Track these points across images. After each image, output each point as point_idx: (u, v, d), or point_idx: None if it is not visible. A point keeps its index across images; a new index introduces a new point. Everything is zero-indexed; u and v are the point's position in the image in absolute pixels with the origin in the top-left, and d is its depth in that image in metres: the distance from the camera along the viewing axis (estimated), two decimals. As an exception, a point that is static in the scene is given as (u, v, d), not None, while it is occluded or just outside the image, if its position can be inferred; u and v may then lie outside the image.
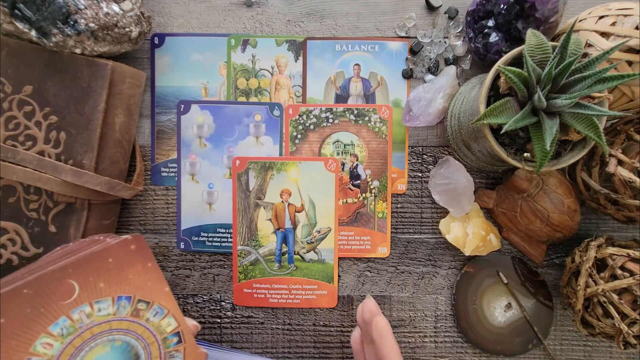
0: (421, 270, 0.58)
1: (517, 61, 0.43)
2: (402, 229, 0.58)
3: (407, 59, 0.57)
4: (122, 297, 0.38)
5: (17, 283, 0.35)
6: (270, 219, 0.57)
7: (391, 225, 0.58)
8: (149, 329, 0.39)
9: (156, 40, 0.57)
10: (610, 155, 0.47)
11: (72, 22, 0.47)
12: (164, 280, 0.40)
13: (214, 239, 0.57)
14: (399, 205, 0.58)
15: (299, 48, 0.58)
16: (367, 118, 0.57)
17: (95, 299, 0.37)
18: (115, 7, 0.49)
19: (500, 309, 0.56)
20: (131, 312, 0.39)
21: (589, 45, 0.45)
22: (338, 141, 0.57)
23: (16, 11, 0.46)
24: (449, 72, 0.54)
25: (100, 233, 0.54)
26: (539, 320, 0.56)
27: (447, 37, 0.57)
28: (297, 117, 0.57)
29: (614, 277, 0.47)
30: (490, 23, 0.51)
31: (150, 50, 0.57)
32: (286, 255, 0.57)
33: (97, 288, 0.38)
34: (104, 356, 0.38)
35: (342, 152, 0.57)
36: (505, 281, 0.56)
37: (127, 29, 0.50)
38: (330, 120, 0.57)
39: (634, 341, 0.46)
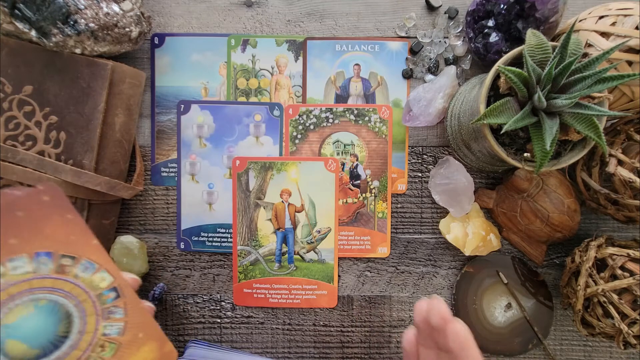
0: (421, 270, 0.58)
1: (517, 61, 0.43)
2: (402, 229, 0.58)
3: (407, 59, 0.57)
4: (41, 254, 0.35)
5: None
6: (270, 219, 0.57)
7: (391, 225, 0.58)
8: (79, 285, 0.36)
9: (156, 40, 0.57)
10: (610, 155, 0.47)
11: (72, 22, 0.47)
12: (90, 233, 0.37)
13: (214, 239, 0.57)
14: (399, 205, 0.58)
15: (299, 48, 0.58)
16: (367, 118, 0.57)
17: (7, 257, 0.34)
18: (115, 7, 0.49)
19: (500, 309, 0.56)
20: (55, 268, 0.35)
21: (589, 45, 0.45)
22: (338, 141, 0.57)
23: (16, 11, 0.46)
24: (449, 72, 0.54)
25: (101, 233, 0.54)
26: (539, 320, 0.56)
27: (447, 37, 0.57)
28: (297, 117, 0.57)
29: (614, 277, 0.47)
30: (490, 23, 0.51)
31: (150, 50, 0.57)
32: (286, 255, 0.57)
33: (7, 245, 0.34)
34: (28, 317, 0.34)
35: (342, 152, 0.57)
36: (505, 281, 0.56)
37: (127, 29, 0.50)
38: (330, 120, 0.57)
39: (634, 341, 0.46)
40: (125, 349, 0.36)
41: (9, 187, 0.41)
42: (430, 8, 0.57)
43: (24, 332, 0.34)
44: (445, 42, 0.57)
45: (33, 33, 0.47)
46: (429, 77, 0.57)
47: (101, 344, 0.36)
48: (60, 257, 0.36)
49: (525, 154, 0.43)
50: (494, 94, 0.44)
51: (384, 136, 0.57)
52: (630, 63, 0.43)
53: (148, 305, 0.39)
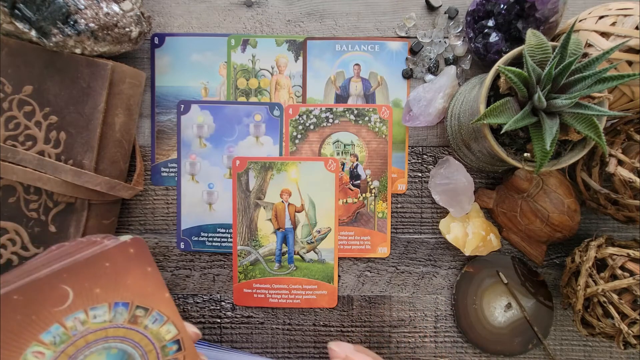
0: (421, 270, 0.58)
1: (517, 61, 0.43)
2: (402, 229, 0.58)
3: (407, 59, 0.57)
4: (120, 304, 0.36)
5: (7, 288, 0.33)
6: (270, 219, 0.57)
7: (391, 225, 0.58)
8: (147, 337, 0.38)
9: (156, 40, 0.57)
10: (610, 155, 0.47)
11: (72, 22, 0.47)
12: (164, 286, 0.38)
13: (214, 239, 0.57)
14: (399, 205, 0.58)
15: (299, 48, 0.58)
16: (367, 118, 0.57)
17: (91, 305, 0.35)
18: (115, 7, 0.49)
19: (500, 309, 0.56)
20: (129, 319, 0.37)
21: (589, 45, 0.45)
22: (338, 141, 0.57)
23: (16, 11, 0.46)
24: (449, 72, 0.54)
25: (100, 233, 0.54)
26: (539, 320, 0.56)
27: (447, 37, 0.57)
28: (297, 117, 0.57)
29: (614, 277, 0.47)
30: (490, 23, 0.51)
31: (150, 50, 0.57)
32: (286, 255, 0.57)
33: (92, 294, 0.35)
34: None
35: (342, 152, 0.57)
36: (505, 281, 0.56)
37: (127, 29, 0.50)
38: (330, 120, 0.57)
39: (634, 341, 0.46)
40: None
41: (101, 235, 0.42)
42: (430, 8, 0.57)
43: None
44: (445, 42, 0.57)
45: (33, 33, 0.47)
46: (429, 77, 0.57)
47: None
48: (136, 307, 0.37)
49: (525, 154, 0.43)
50: (494, 94, 0.44)
51: (384, 136, 0.57)
52: (630, 63, 0.43)
53: (204, 357, 0.41)
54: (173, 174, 0.58)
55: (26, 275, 0.35)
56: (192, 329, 0.40)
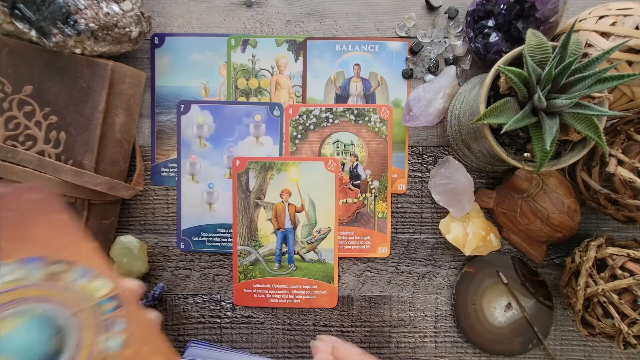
0: (421, 270, 0.58)
1: (517, 61, 0.43)
2: (402, 229, 0.58)
3: (407, 59, 0.57)
4: (31, 259, 0.31)
5: None
6: (270, 219, 0.57)
7: (391, 225, 0.58)
8: (74, 295, 0.32)
9: (156, 40, 0.57)
10: (610, 155, 0.47)
11: (72, 22, 0.47)
12: (85, 235, 0.33)
13: (214, 239, 0.57)
14: (399, 205, 0.58)
15: (299, 48, 0.58)
16: (367, 118, 0.57)
17: None
18: (115, 7, 0.49)
19: (500, 309, 0.56)
20: (46, 275, 0.32)
21: (589, 45, 0.45)
22: (338, 141, 0.57)
23: (16, 11, 0.46)
24: (449, 72, 0.54)
25: (101, 233, 0.54)
26: (539, 320, 0.56)
27: (447, 37, 0.57)
28: (297, 117, 0.57)
29: (614, 277, 0.47)
30: (490, 23, 0.51)
31: (150, 50, 0.57)
32: (286, 255, 0.57)
33: None
34: (17, 331, 0.30)
35: (342, 152, 0.57)
36: (505, 281, 0.56)
37: (127, 29, 0.50)
38: (330, 120, 0.57)
39: (634, 341, 0.46)
40: None
41: None
42: (430, 8, 0.57)
43: (14, 347, 0.30)
44: (445, 42, 0.57)
45: (33, 33, 0.47)
46: (429, 77, 0.57)
47: (102, 358, 0.32)
48: (53, 263, 0.32)
49: (525, 154, 0.43)
50: (494, 94, 0.44)
51: (384, 136, 0.57)
52: (630, 63, 0.43)
53: (154, 315, 0.36)
54: (173, 174, 0.58)
55: None
56: (133, 282, 0.35)
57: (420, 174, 0.58)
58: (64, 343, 0.31)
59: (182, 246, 0.57)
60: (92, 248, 0.33)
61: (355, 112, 0.57)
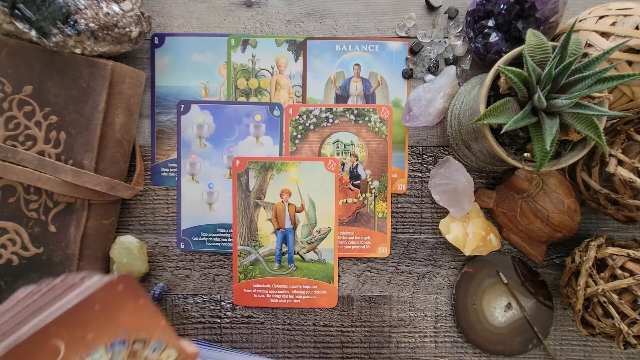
0: (421, 270, 0.58)
1: (517, 61, 0.43)
2: (402, 229, 0.58)
3: (407, 59, 0.57)
4: (116, 343, 0.35)
5: None
6: (270, 219, 0.57)
7: (391, 225, 0.58)
8: None
9: (156, 40, 0.57)
10: (610, 155, 0.47)
11: (72, 22, 0.47)
12: (159, 315, 0.37)
13: (214, 239, 0.57)
14: (399, 205, 0.58)
15: (299, 48, 0.58)
16: (367, 118, 0.57)
17: (86, 352, 0.33)
18: (115, 7, 0.49)
19: (500, 309, 0.56)
20: (127, 354, 0.36)
21: (589, 45, 0.45)
22: (338, 141, 0.57)
23: (16, 11, 0.46)
24: (449, 72, 0.54)
25: (101, 233, 0.54)
26: (539, 320, 0.56)
27: (447, 37, 0.57)
28: (297, 117, 0.57)
29: (614, 277, 0.47)
30: (490, 23, 0.51)
31: (150, 50, 0.57)
32: (286, 255, 0.57)
33: (85, 340, 0.33)
34: None
35: (342, 152, 0.57)
36: (505, 281, 0.56)
37: (127, 29, 0.50)
38: (330, 120, 0.57)
39: (634, 341, 0.46)
40: None
41: (82, 273, 0.40)
42: (430, 8, 0.57)
43: None
44: (445, 42, 0.57)
45: (33, 33, 0.47)
46: (429, 77, 0.57)
47: None
48: (133, 343, 0.36)
49: (525, 154, 0.43)
50: (494, 94, 0.44)
51: (384, 136, 0.57)
52: (630, 63, 0.43)
53: None
54: (173, 174, 0.58)
55: (8, 333, 0.33)
56: (190, 348, 0.40)
57: (420, 174, 0.58)
58: None
59: (182, 246, 0.57)
60: (164, 325, 0.38)
61: (355, 112, 0.57)
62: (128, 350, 0.36)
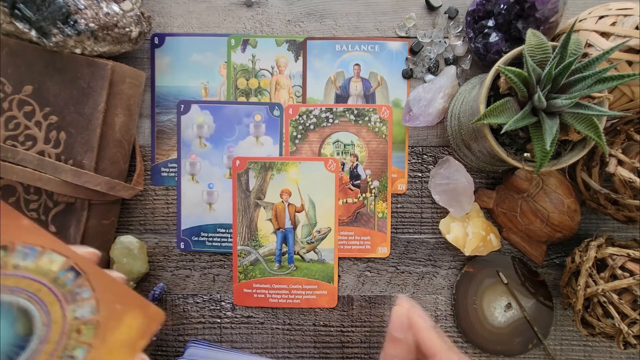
0: (421, 270, 0.58)
1: (517, 61, 0.43)
2: (402, 229, 0.58)
3: (407, 59, 0.57)
4: None
5: None
6: (270, 219, 0.57)
7: (391, 225, 0.58)
8: (25, 276, 0.31)
9: (156, 40, 0.57)
10: (610, 155, 0.47)
11: (72, 22, 0.47)
12: (16, 213, 0.32)
13: (214, 239, 0.57)
14: (399, 205, 0.58)
15: (299, 48, 0.58)
16: (367, 118, 0.57)
17: None
18: (115, 7, 0.49)
19: (500, 309, 0.56)
20: None
21: (589, 45, 0.45)
22: (338, 141, 0.57)
23: (16, 11, 0.46)
24: (449, 72, 0.54)
25: (101, 233, 0.54)
26: (539, 320, 0.56)
27: (447, 37, 0.57)
28: (297, 117, 0.57)
29: (614, 277, 0.47)
30: (490, 23, 0.51)
31: (150, 50, 0.57)
32: (286, 255, 0.57)
33: None
34: None
35: (342, 152, 0.57)
36: (505, 281, 0.56)
37: (127, 29, 0.50)
38: (330, 120, 0.57)
39: (634, 341, 0.46)
40: (106, 325, 0.33)
41: None
42: (430, 8, 0.57)
43: None
44: (445, 42, 0.57)
45: (33, 33, 0.47)
46: (429, 77, 0.57)
47: (76, 328, 0.32)
48: None
49: (525, 154, 0.43)
50: (494, 94, 0.44)
51: (384, 136, 0.57)
52: (630, 63, 0.43)
53: (116, 274, 0.35)
54: (173, 174, 0.58)
55: None
56: (84, 249, 0.35)
57: (420, 174, 0.58)
58: (32, 324, 0.31)
59: (182, 246, 0.57)
60: (29, 225, 0.32)
61: (355, 112, 0.57)
62: None
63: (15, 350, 0.30)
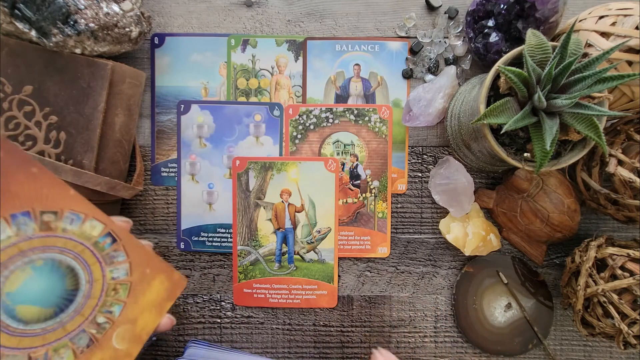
0: (421, 270, 0.58)
1: (517, 61, 0.43)
2: (402, 229, 0.58)
3: (407, 59, 0.57)
4: (18, 215, 0.33)
5: None
6: (270, 219, 0.57)
7: (391, 225, 0.58)
8: (72, 239, 0.35)
9: (156, 40, 0.57)
10: (610, 155, 0.47)
11: (72, 22, 0.47)
12: (64, 184, 0.35)
13: (214, 239, 0.57)
14: (399, 205, 0.58)
15: (299, 48, 0.58)
16: (367, 118, 0.57)
17: None
18: (115, 7, 0.49)
19: (500, 309, 0.56)
20: (39, 227, 0.34)
21: (589, 45, 0.45)
22: (338, 141, 0.57)
23: (16, 11, 0.46)
24: (449, 72, 0.54)
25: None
26: (539, 320, 0.56)
27: (447, 37, 0.57)
28: (297, 117, 0.57)
29: (614, 277, 0.47)
30: (490, 23, 0.51)
31: (150, 50, 0.57)
32: (286, 255, 0.57)
33: None
34: (30, 280, 0.33)
35: (342, 152, 0.57)
36: (505, 281, 0.56)
37: (127, 29, 0.50)
38: (330, 120, 0.57)
39: (634, 341, 0.46)
40: (137, 286, 0.37)
41: None
42: (430, 8, 0.57)
43: (32, 296, 0.34)
44: (445, 42, 0.57)
45: (33, 33, 0.47)
46: (429, 77, 0.57)
47: (113, 287, 0.36)
48: (40, 214, 0.34)
49: (525, 154, 0.43)
50: (494, 94, 0.44)
51: (384, 136, 0.57)
52: (630, 63, 0.43)
53: (146, 242, 0.39)
54: (173, 174, 0.58)
55: None
56: (120, 219, 0.38)
57: (420, 174, 0.58)
58: (78, 281, 0.35)
59: (182, 246, 0.57)
60: (74, 195, 0.35)
61: (355, 112, 0.57)
62: (38, 222, 0.34)
63: (64, 302, 0.35)
